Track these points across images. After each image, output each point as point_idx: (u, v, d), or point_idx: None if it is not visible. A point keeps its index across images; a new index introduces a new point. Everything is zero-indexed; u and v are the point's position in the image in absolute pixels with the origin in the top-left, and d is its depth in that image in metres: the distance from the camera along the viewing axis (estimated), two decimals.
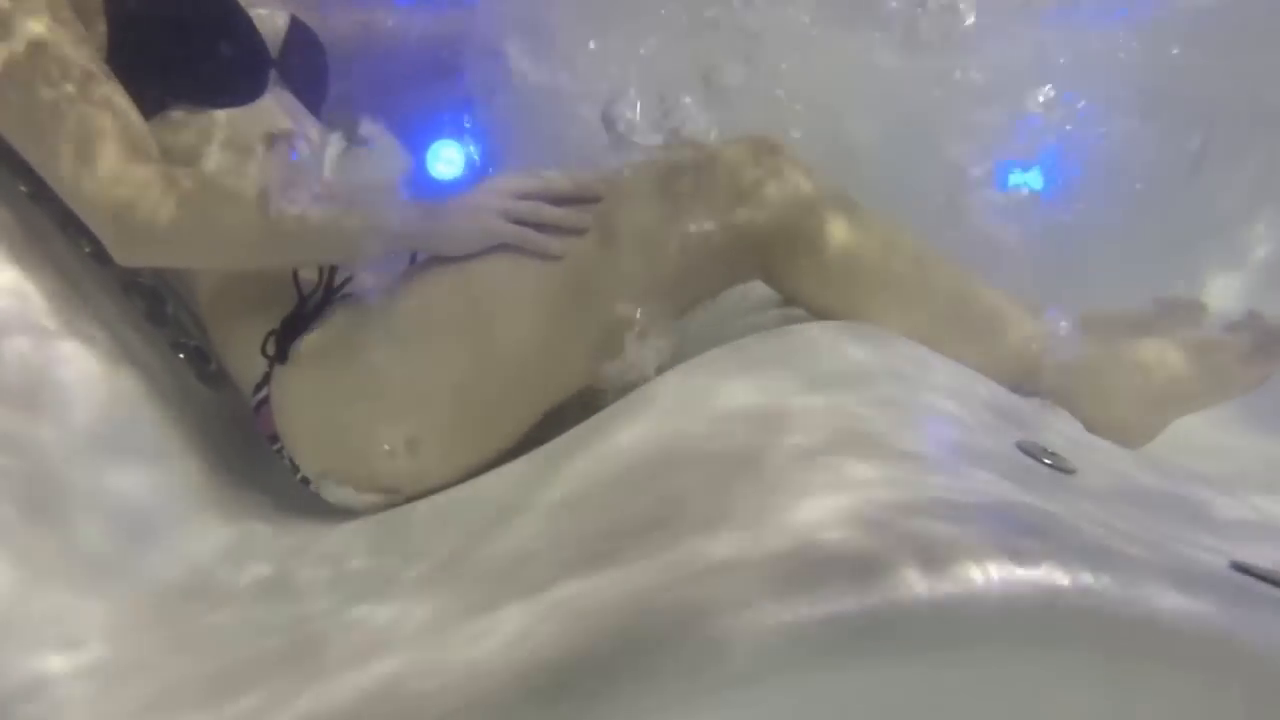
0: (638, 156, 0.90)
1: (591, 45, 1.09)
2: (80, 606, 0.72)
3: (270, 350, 0.88)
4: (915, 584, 0.45)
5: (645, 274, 0.84)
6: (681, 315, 0.88)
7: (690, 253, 0.84)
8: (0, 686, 0.63)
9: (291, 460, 0.89)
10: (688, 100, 0.92)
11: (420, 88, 1.16)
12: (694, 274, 0.85)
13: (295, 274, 0.89)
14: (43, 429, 0.77)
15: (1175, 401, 0.92)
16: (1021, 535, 0.49)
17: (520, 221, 0.84)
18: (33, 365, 0.79)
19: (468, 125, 1.17)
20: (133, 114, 0.84)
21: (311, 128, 1.02)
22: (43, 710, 0.63)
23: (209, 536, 0.84)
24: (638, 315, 0.84)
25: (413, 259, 1.00)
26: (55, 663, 0.66)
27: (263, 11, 1.02)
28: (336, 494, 0.89)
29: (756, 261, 0.87)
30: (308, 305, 0.88)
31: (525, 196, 0.86)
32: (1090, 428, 0.88)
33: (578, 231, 0.84)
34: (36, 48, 0.80)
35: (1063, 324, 0.92)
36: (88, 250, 0.92)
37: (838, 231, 0.85)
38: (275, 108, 0.98)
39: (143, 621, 0.73)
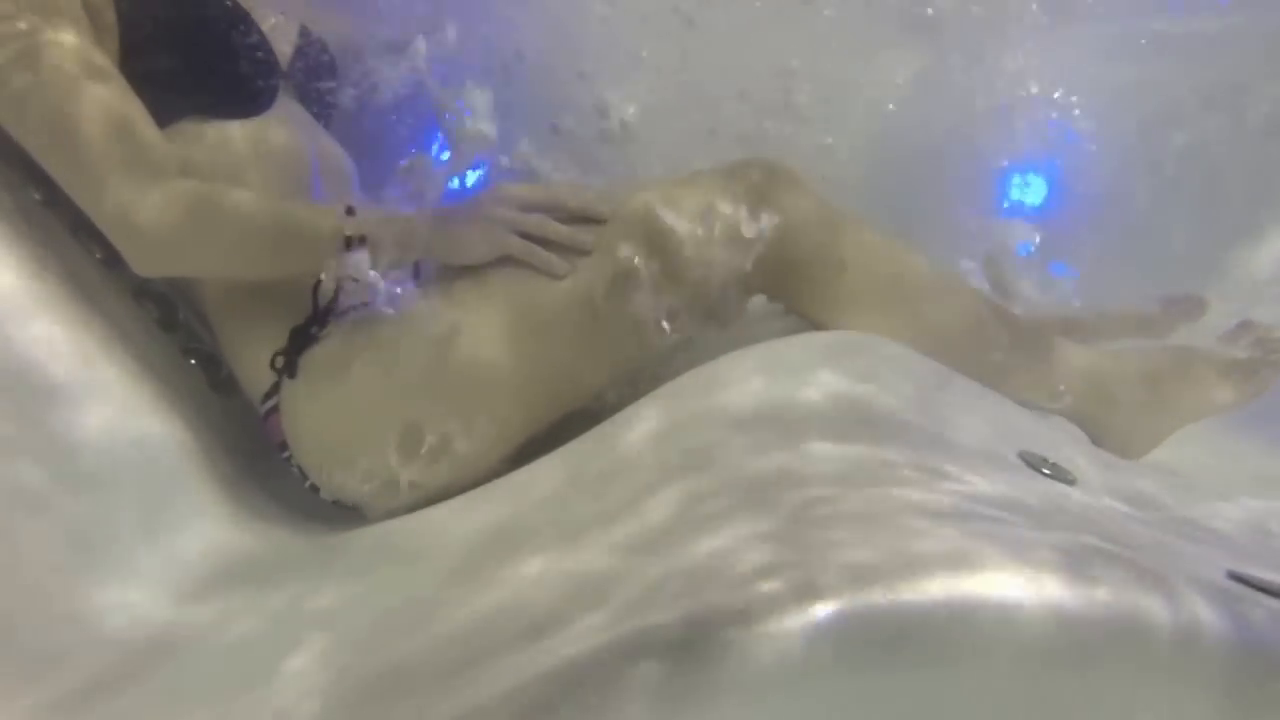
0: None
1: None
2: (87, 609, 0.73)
3: (279, 365, 0.88)
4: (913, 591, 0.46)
5: (651, 296, 0.84)
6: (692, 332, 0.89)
7: (698, 275, 0.84)
8: None
9: (300, 468, 0.90)
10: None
11: (425, 95, 1.17)
12: (702, 294, 0.86)
13: (316, 285, 0.88)
14: (54, 432, 0.78)
15: (1177, 413, 0.93)
16: (1020, 546, 0.50)
17: (526, 236, 0.85)
18: (44, 371, 0.79)
19: (469, 131, 1.18)
20: (151, 126, 0.84)
21: (320, 139, 1.03)
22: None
23: (218, 541, 0.84)
24: (645, 335, 0.84)
25: (416, 271, 1.01)
26: None
27: (273, 22, 1.02)
28: (345, 501, 0.90)
29: (764, 282, 0.87)
30: (318, 317, 0.88)
31: (533, 209, 0.86)
32: (1095, 439, 0.89)
33: (582, 251, 0.85)
34: (57, 62, 0.81)
35: (1068, 337, 0.93)
36: (99, 256, 0.92)
37: (844, 254, 0.85)
38: (285, 119, 0.98)
39: None
